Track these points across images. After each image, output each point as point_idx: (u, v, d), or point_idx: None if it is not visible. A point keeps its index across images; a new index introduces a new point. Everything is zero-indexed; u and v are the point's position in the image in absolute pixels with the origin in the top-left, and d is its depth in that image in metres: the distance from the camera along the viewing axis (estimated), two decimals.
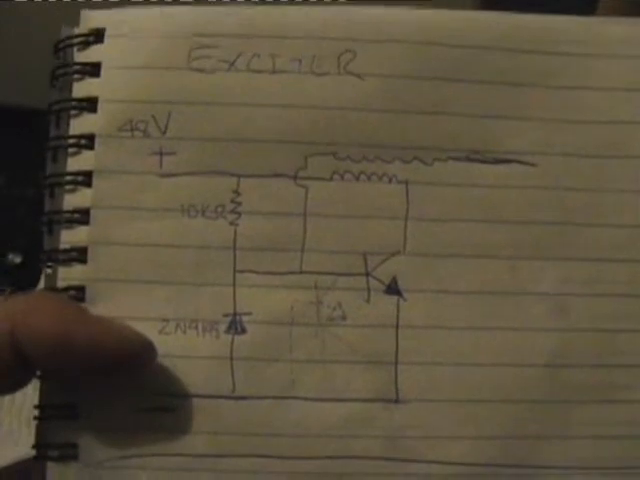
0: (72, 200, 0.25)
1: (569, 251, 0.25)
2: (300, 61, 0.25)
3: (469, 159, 0.25)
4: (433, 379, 0.24)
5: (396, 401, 0.24)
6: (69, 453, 0.24)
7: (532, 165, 0.25)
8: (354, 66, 0.25)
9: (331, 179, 0.25)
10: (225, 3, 0.25)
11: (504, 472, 0.24)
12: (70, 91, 0.25)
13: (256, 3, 0.25)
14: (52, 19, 0.26)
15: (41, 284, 0.36)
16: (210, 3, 0.25)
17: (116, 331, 0.22)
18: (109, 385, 0.24)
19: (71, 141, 0.25)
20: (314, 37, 0.25)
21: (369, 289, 0.25)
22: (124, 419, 0.24)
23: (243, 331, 0.24)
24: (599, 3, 0.31)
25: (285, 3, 0.25)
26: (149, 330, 0.24)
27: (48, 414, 0.24)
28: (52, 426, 0.24)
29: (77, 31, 0.25)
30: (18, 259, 0.47)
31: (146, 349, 0.23)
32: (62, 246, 0.24)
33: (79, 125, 0.25)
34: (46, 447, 0.24)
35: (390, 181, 0.25)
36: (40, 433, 0.24)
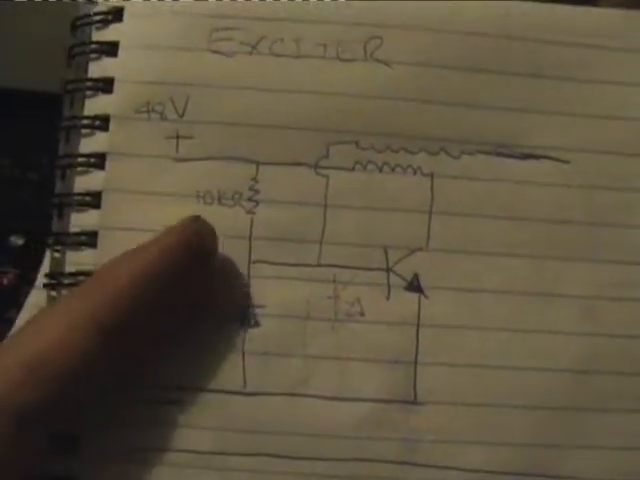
0: (84, 182, 0.25)
1: (599, 252, 0.25)
2: (325, 46, 0.25)
3: (497, 153, 0.25)
4: (453, 381, 0.25)
5: (413, 403, 0.24)
6: (69, 445, 0.24)
7: (562, 161, 0.25)
8: (382, 53, 0.25)
9: (353, 169, 0.25)
10: None
11: None
12: (86, 70, 0.25)
13: None
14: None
15: (45, 266, 0.37)
16: None
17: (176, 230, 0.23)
18: (116, 375, 0.24)
19: (85, 122, 0.25)
20: (341, 22, 0.25)
21: (389, 285, 0.25)
22: (130, 411, 0.24)
23: (256, 324, 0.25)
24: None
25: None
26: None
27: None
28: None
29: (96, 9, 0.26)
30: (20, 241, 0.48)
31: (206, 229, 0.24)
32: (72, 229, 0.25)
33: (94, 106, 0.25)
34: None
35: (415, 173, 0.25)
36: None
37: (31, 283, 0.38)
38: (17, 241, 0.47)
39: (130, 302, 0.22)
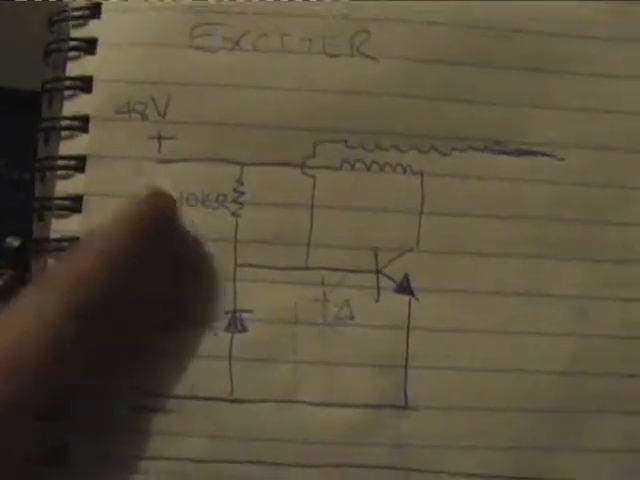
0: (64, 186, 0.24)
1: (592, 252, 0.24)
2: (311, 41, 0.24)
3: (490, 150, 0.24)
4: (444, 385, 0.24)
5: (404, 407, 0.24)
6: (58, 455, 0.24)
7: (558, 158, 0.25)
8: (369, 47, 0.24)
9: (341, 168, 0.24)
10: None
11: None
12: (64, 69, 0.25)
13: None
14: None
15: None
16: None
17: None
18: (103, 384, 0.24)
19: (64, 123, 0.24)
20: (326, 16, 0.24)
21: (379, 287, 0.24)
22: (118, 420, 0.24)
23: (243, 329, 0.24)
24: None
25: None
26: None
27: None
28: None
29: (73, 4, 0.25)
30: (16, 242, 0.47)
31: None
32: (53, 235, 0.24)
33: (73, 106, 0.24)
34: None
35: (404, 172, 0.24)
36: None
37: (27, 284, 0.38)
38: (13, 242, 0.46)
39: (102, 281, 0.22)
